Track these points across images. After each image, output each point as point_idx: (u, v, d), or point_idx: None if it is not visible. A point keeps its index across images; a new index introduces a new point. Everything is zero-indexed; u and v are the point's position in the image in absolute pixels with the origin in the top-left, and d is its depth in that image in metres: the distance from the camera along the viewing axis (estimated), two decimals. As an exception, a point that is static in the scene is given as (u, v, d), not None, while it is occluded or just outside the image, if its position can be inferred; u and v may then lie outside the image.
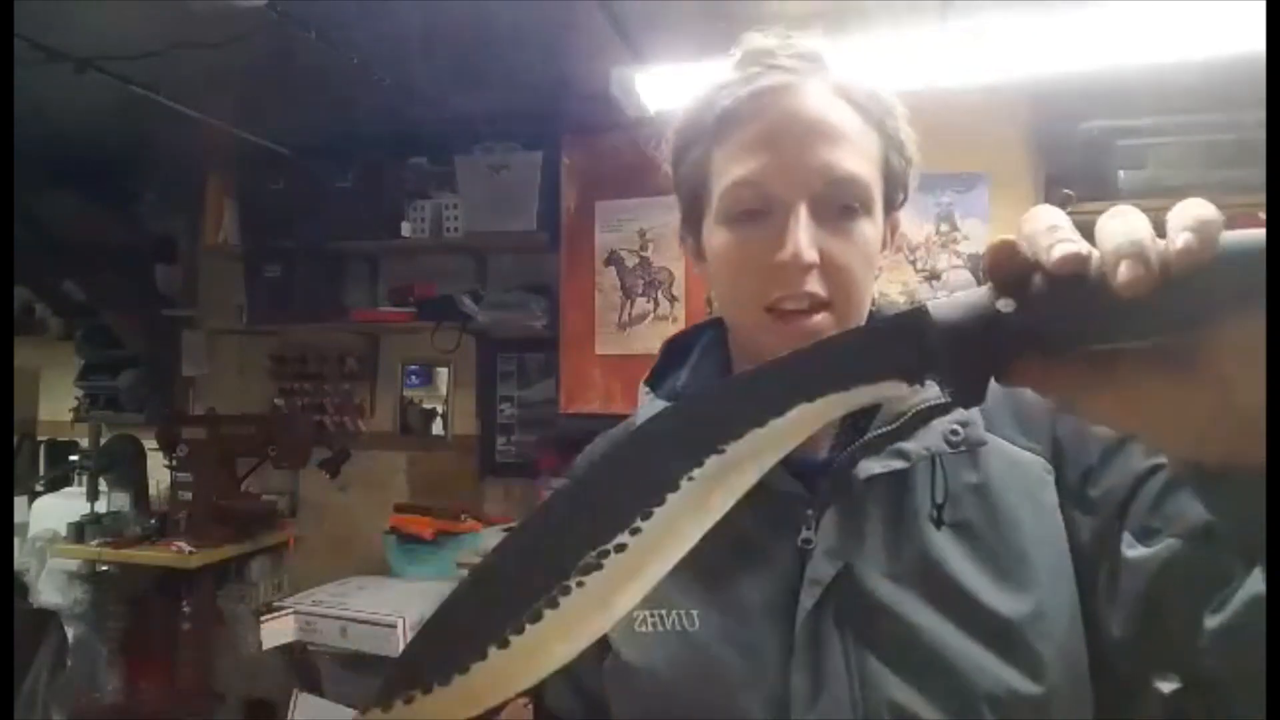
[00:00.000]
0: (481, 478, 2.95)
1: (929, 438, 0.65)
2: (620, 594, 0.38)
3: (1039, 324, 0.37)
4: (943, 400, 0.64)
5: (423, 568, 2.68)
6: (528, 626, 0.37)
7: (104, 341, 3.25)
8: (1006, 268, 0.39)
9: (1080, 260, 0.37)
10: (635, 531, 0.38)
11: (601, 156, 2.53)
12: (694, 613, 0.65)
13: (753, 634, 0.63)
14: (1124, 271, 0.35)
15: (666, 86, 1.94)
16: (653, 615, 0.66)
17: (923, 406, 0.65)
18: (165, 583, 2.84)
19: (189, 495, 2.77)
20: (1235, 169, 2.04)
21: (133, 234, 3.26)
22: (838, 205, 0.64)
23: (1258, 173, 2.00)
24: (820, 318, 0.63)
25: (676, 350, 0.79)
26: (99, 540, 2.74)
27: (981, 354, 0.39)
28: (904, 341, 0.40)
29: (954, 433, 0.65)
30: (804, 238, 0.61)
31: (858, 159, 0.64)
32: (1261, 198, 2.04)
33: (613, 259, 2.54)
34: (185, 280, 3.30)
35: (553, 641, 0.38)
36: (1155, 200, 2.21)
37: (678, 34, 1.90)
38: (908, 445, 0.65)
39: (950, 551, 0.62)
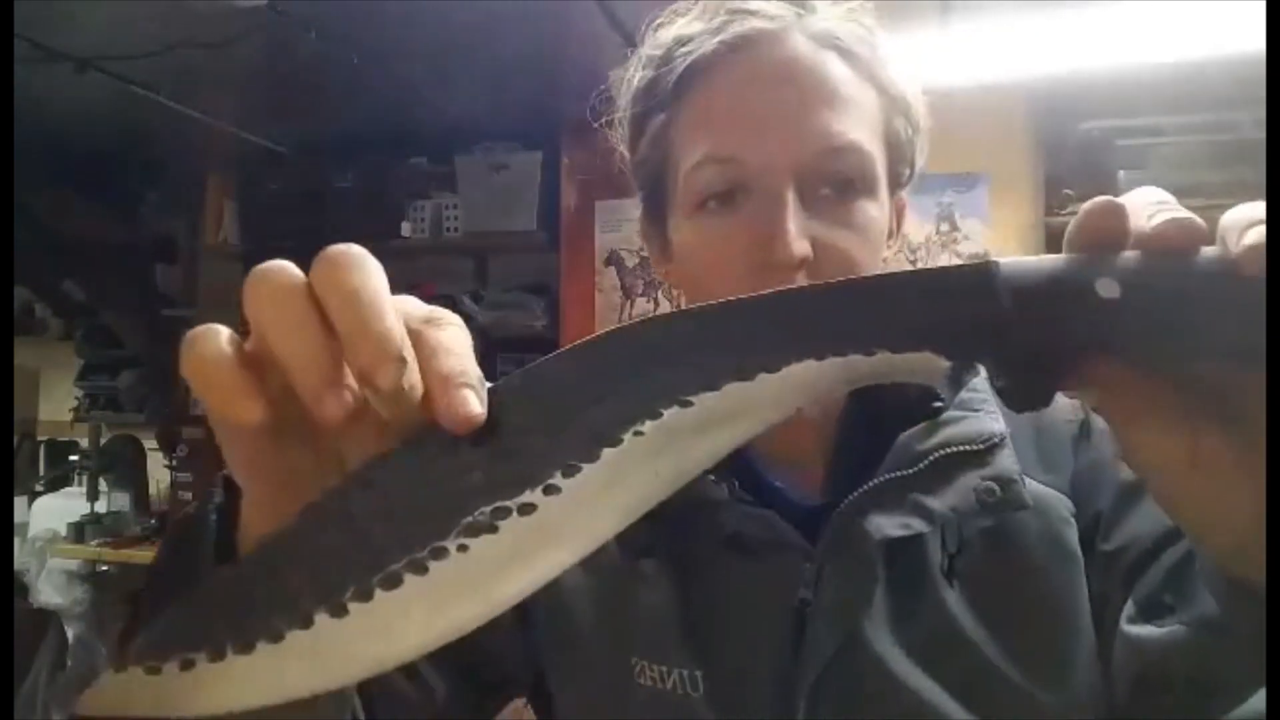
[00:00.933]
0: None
1: (957, 496, 0.53)
2: (510, 573, 0.27)
3: (1141, 317, 0.28)
4: (975, 447, 0.54)
5: (423, 568, 2.68)
6: (377, 593, 0.26)
7: (104, 341, 3.25)
8: (1106, 232, 0.29)
9: (1191, 229, 0.28)
10: (551, 490, 0.27)
11: (601, 156, 2.52)
12: (698, 674, 0.53)
13: (754, 706, 0.53)
14: (1254, 236, 0.27)
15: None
16: (653, 669, 0.54)
17: (948, 451, 0.53)
18: (165, 583, 2.83)
19: (189, 495, 2.76)
20: (1235, 169, 2.04)
21: (133, 234, 3.26)
22: (834, 182, 0.52)
23: (1258, 173, 2.00)
24: None
25: None
26: (99, 540, 2.74)
27: (1063, 341, 0.29)
28: (958, 300, 0.29)
29: (989, 492, 0.52)
30: (793, 227, 0.49)
31: (856, 123, 0.52)
32: (1261, 198, 2.03)
33: (613, 259, 2.54)
34: (185, 280, 3.30)
35: (408, 620, 0.26)
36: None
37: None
38: (930, 501, 0.53)
39: (964, 612, 0.52)
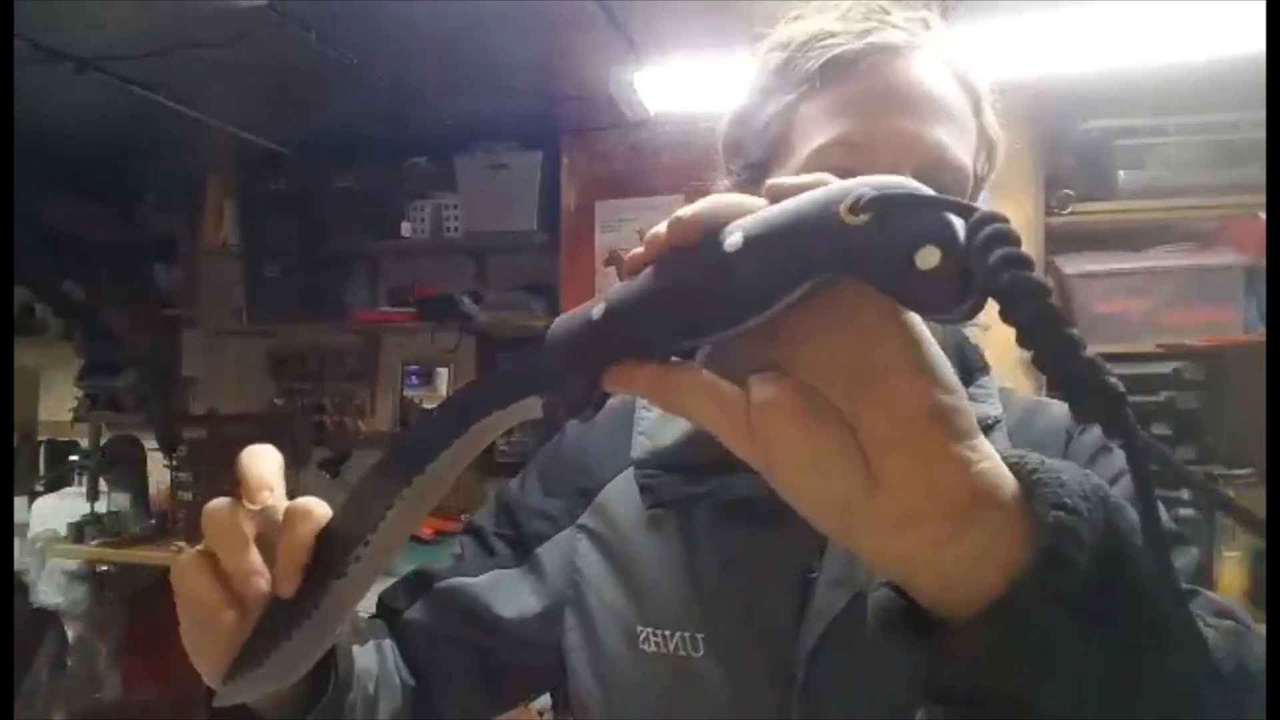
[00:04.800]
0: (481, 478, 2.96)
1: None
2: (357, 595, 0.43)
3: (624, 325, 0.34)
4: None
5: (423, 568, 2.68)
6: (333, 583, 0.42)
7: (104, 341, 3.25)
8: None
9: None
10: (366, 544, 0.42)
11: (601, 156, 2.53)
12: (699, 637, 0.59)
13: (754, 668, 0.58)
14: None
15: (666, 86, 1.94)
16: (656, 635, 0.60)
17: None
18: (165, 583, 2.82)
19: (189, 495, 2.76)
20: (1235, 169, 2.04)
21: (133, 234, 3.26)
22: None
23: (1258, 172, 2.00)
24: None
25: None
26: (99, 540, 2.74)
27: (577, 363, 0.36)
28: (528, 360, 0.40)
29: None
30: None
31: (964, 149, 0.58)
32: (1261, 198, 2.04)
33: (613, 259, 2.54)
34: (185, 280, 3.30)
35: (346, 600, 0.43)
36: (1155, 200, 2.19)
37: (678, 33, 1.90)
38: None
39: None
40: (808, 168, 0.57)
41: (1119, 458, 0.59)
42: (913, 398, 0.29)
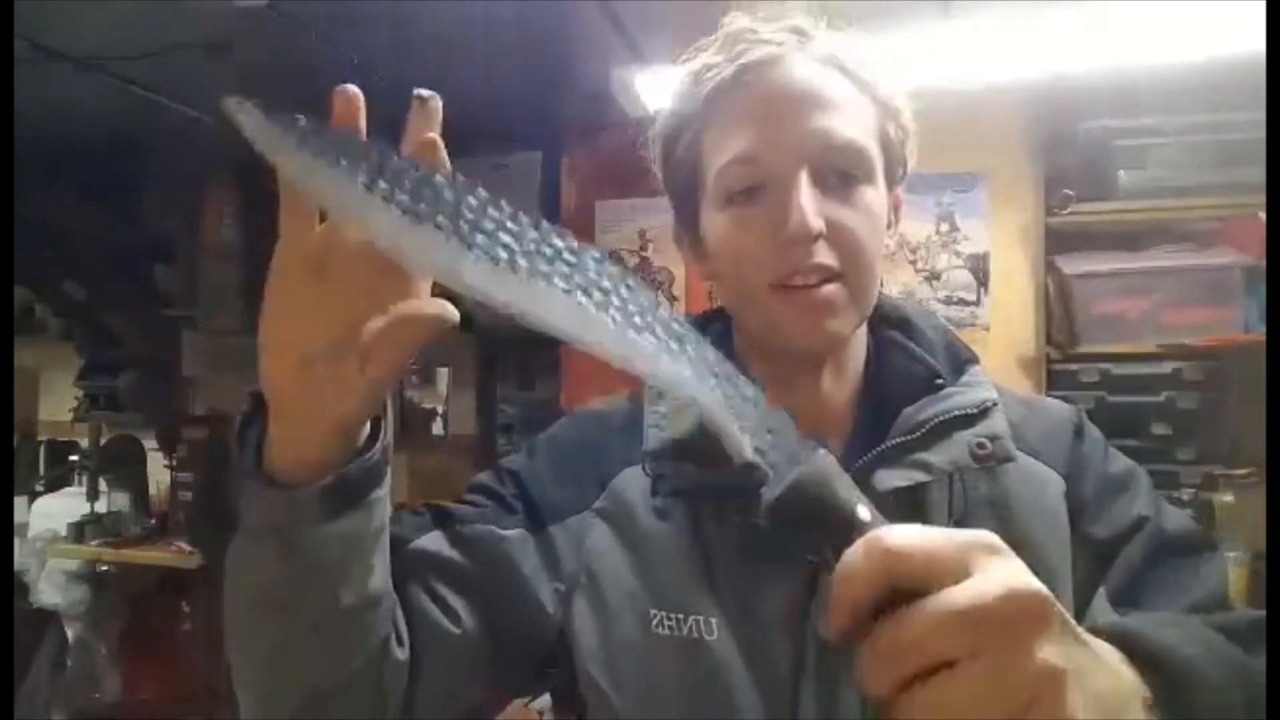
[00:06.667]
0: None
1: (953, 450, 0.62)
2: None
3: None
4: (966, 411, 0.64)
5: (423, 568, 2.68)
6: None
7: (104, 341, 3.25)
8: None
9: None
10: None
11: (601, 156, 2.53)
12: (713, 621, 0.61)
13: (766, 650, 0.60)
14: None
15: (666, 86, 1.94)
16: (670, 618, 0.62)
17: (945, 417, 0.63)
18: (165, 583, 2.83)
19: (189, 495, 2.76)
20: (1235, 169, 2.04)
21: (133, 234, 3.26)
22: (838, 173, 0.62)
23: (1258, 172, 2.00)
24: (832, 289, 0.61)
25: None
26: (99, 540, 2.74)
27: (813, 509, 0.44)
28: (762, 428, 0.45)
29: (980, 446, 0.63)
30: (809, 206, 0.59)
31: (853, 125, 0.62)
32: (1261, 198, 2.04)
33: (612, 259, 2.54)
34: (185, 280, 3.30)
35: None
36: (1155, 200, 2.19)
37: (678, 34, 1.90)
38: (929, 457, 0.62)
39: None
40: (717, 189, 0.65)
41: (1137, 498, 0.64)
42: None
